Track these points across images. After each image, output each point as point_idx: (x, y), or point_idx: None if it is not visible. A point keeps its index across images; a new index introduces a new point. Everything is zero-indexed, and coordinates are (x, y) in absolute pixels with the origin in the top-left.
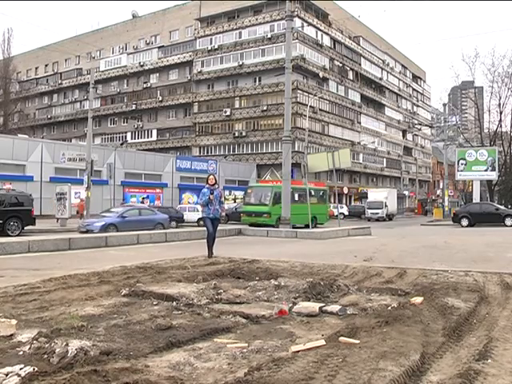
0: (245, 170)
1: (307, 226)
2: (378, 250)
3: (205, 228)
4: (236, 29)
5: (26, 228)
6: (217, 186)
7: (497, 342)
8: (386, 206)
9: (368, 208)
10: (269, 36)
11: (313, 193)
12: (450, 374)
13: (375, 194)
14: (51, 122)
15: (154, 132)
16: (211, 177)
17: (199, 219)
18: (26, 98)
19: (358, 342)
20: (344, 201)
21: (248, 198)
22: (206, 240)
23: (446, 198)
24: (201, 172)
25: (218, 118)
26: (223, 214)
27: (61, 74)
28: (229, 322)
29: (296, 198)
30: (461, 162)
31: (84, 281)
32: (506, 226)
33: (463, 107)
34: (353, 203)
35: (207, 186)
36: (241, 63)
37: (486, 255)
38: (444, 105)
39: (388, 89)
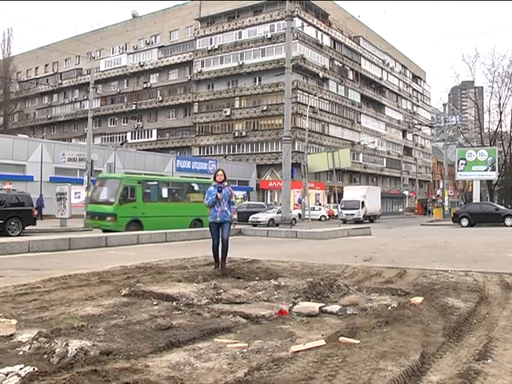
0: (245, 170)
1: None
2: (378, 249)
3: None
4: (236, 29)
5: (26, 228)
6: (226, 184)
7: (497, 342)
8: (363, 205)
9: (343, 208)
10: (269, 36)
11: (196, 187)
12: (450, 373)
13: (351, 192)
14: (51, 122)
15: (154, 132)
16: (219, 172)
17: None
18: (26, 98)
19: (358, 342)
20: None
21: (94, 194)
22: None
23: (446, 198)
24: (201, 172)
25: (218, 118)
26: (235, 216)
27: (61, 74)
28: (229, 321)
29: (165, 195)
30: (461, 162)
31: (84, 281)
32: (506, 226)
33: (463, 107)
34: None
35: (214, 183)
36: (241, 63)
37: (486, 255)
38: (444, 105)
39: (388, 89)
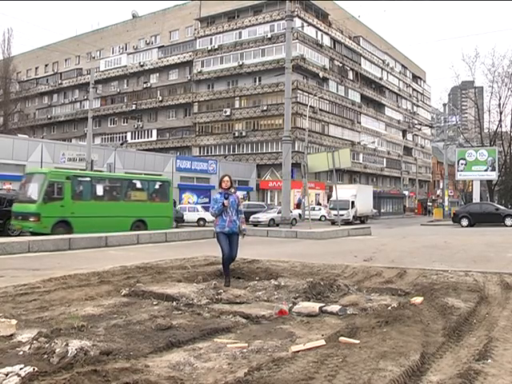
0: (245, 170)
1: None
2: (378, 249)
3: (205, 227)
4: (236, 29)
5: None
6: (233, 190)
7: (497, 342)
8: (353, 205)
9: (331, 208)
10: (269, 36)
11: (139, 185)
12: (450, 373)
13: (340, 192)
14: (51, 121)
15: (154, 132)
16: (226, 178)
17: (199, 219)
18: (26, 98)
19: (358, 342)
20: None
21: (20, 192)
22: (221, 260)
23: (446, 198)
24: (201, 172)
25: (218, 118)
26: (243, 226)
27: (61, 74)
28: (229, 321)
29: (100, 193)
30: (461, 162)
31: (84, 281)
32: (506, 225)
33: (463, 107)
34: None
35: (220, 190)
36: (241, 63)
37: (486, 255)
38: (444, 105)
39: (388, 89)
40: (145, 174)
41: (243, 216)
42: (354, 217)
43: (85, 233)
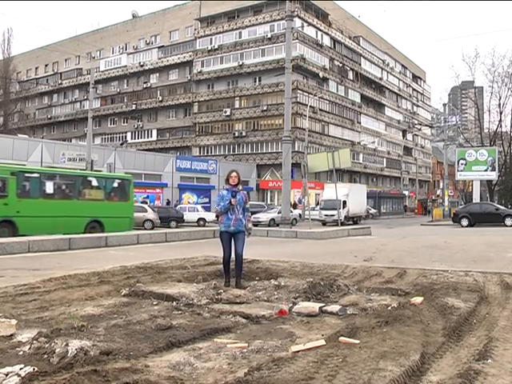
0: (245, 170)
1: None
2: (378, 249)
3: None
4: (236, 29)
5: None
6: (240, 187)
7: (497, 342)
8: (345, 205)
9: (322, 208)
10: (269, 36)
11: (94, 182)
12: (450, 373)
13: (332, 191)
14: (51, 121)
15: (154, 132)
16: (233, 174)
17: (199, 219)
18: (26, 98)
19: (358, 342)
20: None
21: None
22: (222, 260)
23: (446, 198)
24: (201, 172)
25: (218, 118)
26: (250, 225)
27: (61, 74)
28: (229, 321)
29: (49, 191)
30: (461, 162)
31: (84, 281)
32: (506, 225)
33: (463, 107)
34: None
35: (227, 186)
36: (241, 63)
37: (486, 255)
38: (444, 105)
39: (388, 89)
40: (145, 174)
41: (250, 214)
42: (346, 217)
43: (32, 234)
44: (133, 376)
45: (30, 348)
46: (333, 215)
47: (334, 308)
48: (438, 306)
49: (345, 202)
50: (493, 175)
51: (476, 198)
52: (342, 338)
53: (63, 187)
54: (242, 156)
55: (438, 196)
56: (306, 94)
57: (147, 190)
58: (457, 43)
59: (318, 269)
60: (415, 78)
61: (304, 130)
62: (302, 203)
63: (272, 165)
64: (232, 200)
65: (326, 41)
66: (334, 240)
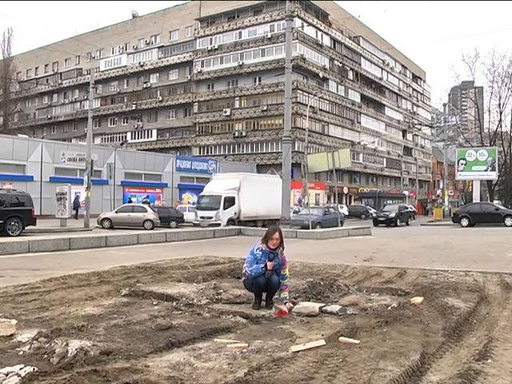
0: (245, 170)
1: None
2: (378, 250)
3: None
4: (236, 29)
5: (26, 228)
6: (281, 249)
7: (497, 342)
8: (232, 204)
9: (198, 208)
10: (269, 36)
11: None
12: (450, 373)
13: (217, 184)
14: (51, 121)
15: (154, 132)
16: (276, 236)
17: None
18: (26, 98)
19: (358, 342)
20: (344, 201)
21: None
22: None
23: (446, 198)
24: (201, 172)
25: (218, 118)
26: (285, 294)
27: (61, 74)
28: (229, 322)
29: None
30: (461, 162)
31: (84, 281)
32: (506, 226)
33: (463, 107)
34: (353, 203)
35: (263, 246)
36: (241, 63)
37: (486, 255)
38: (444, 105)
39: (388, 89)
40: (145, 174)
41: (288, 284)
42: (233, 220)
43: None
44: (133, 376)
45: (30, 348)
46: (210, 217)
47: (334, 308)
48: (438, 306)
49: (232, 199)
50: (493, 175)
51: (476, 198)
52: (342, 338)
53: None
54: (241, 156)
55: (438, 196)
56: (306, 94)
57: (147, 190)
58: (457, 43)
59: (318, 269)
60: (415, 77)
61: (304, 130)
62: (302, 203)
63: (272, 165)
64: (268, 264)
65: (326, 41)
66: (334, 240)
